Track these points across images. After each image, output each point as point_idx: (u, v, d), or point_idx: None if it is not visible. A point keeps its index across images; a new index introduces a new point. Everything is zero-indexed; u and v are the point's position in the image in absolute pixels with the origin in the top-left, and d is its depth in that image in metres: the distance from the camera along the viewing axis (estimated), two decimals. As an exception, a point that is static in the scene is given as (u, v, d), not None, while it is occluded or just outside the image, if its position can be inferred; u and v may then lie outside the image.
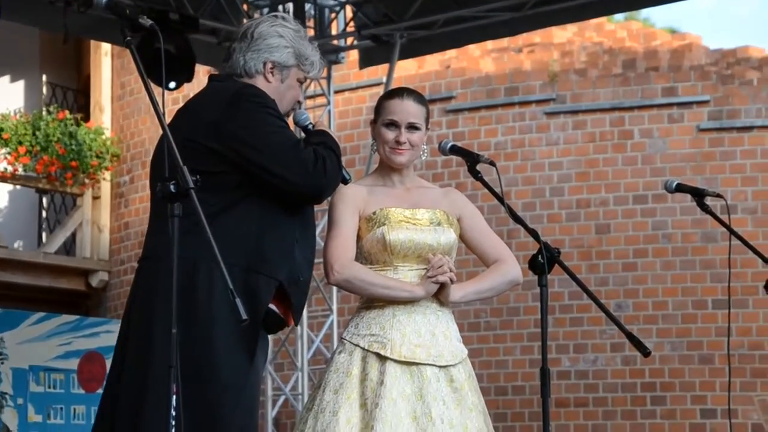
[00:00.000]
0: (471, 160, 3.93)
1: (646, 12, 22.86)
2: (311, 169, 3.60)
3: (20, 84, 12.70)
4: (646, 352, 3.77)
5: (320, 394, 3.82)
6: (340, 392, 3.76)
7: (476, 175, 3.94)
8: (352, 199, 3.92)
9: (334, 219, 3.93)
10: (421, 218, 3.92)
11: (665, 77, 10.11)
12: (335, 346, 3.98)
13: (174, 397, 2.97)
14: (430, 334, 3.85)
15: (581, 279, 3.91)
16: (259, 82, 3.75)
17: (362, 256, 3.93)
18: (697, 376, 9.60)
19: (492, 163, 3.88)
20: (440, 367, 3.84)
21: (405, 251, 3.87)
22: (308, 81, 4.64)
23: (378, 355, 3.79)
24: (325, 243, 3.93)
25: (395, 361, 3.78)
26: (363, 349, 3.81)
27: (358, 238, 3.93)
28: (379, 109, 4.00)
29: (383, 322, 3.84)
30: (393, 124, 3.94)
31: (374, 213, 3.91)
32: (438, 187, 4.15)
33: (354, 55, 9.80)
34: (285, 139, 3.61)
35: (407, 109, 3.94)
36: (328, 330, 9.36)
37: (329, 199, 3.95)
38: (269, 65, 3.75)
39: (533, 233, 3.82)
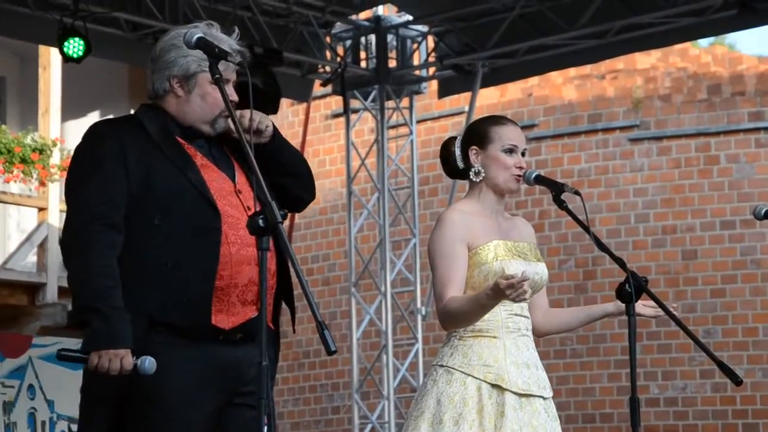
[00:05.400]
0: (556, 189, 3.88)
1: (732, 37, 22.62)
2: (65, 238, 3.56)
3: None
4: (737, 381, 3.72)
5: (426, 425, 3.81)
6: (461, 423, 3.77)
7: (561, 204, 3.91)
8: (462, 229, 3.85)
9: (441, 251, 3.85)
10: (527, 252, 3.90)
11: (752, 102, 10.01)
12: (424, 374, 3.96)
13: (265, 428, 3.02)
14: (534, 367, 3.88)
15: (668, 305, 3.88)
16: (170, 101, 3.70)
17: (469, 287, 3.86)
18: (790, 404, 9.47)
19: (577, 193, 3.82)
20: (544, 398, 3.88)
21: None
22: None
23: (494, 385, 3.81)
24: (433, 283, 3.89)
25: (512, 392, 3.81)
26: (477, 379, 3.81)
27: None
28: (489, 135, 3.93)
29: (496, 354, 3.83)
30: (513, 150, 3.92)
31: (485, 245, 3.86)
32: (513, 216, 4.12)
33: (436, 85, 9.84)
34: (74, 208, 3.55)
35: (522, 135, 3.97)
36: (413, 358, 9.36)
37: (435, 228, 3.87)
38: (174, 81, 3.68)
39: (620, 262, 3.78)
